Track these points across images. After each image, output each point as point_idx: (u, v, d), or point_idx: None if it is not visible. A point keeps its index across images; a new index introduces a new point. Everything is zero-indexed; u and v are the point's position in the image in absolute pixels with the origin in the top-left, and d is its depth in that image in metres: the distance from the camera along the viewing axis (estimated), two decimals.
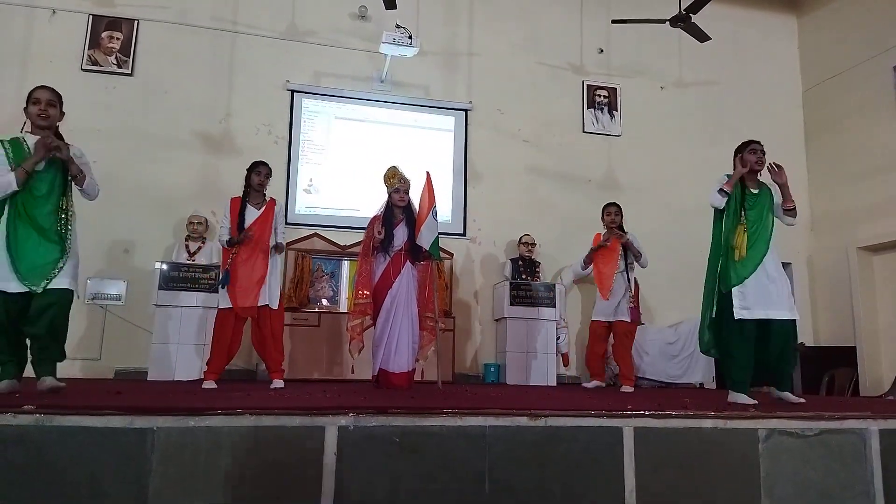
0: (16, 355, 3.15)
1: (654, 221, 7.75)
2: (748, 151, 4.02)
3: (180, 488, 2.24)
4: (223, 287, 4.46)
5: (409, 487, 2.42)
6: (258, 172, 4.64)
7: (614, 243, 5.42)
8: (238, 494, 2.28)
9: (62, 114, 3.31)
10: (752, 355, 3.78)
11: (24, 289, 3.05)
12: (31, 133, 3.25)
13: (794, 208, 3.99)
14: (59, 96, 3.28)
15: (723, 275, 3.88)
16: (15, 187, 3.07)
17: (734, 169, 4.06)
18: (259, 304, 4.47)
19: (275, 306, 4.56)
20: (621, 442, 2.65)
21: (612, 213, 5.47)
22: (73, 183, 3.31)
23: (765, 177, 4.08)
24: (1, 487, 2.13)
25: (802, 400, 3.71)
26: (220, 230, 4.66)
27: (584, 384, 5.46)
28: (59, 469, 2.18)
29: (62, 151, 3.20)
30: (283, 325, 4.78)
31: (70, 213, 3.25)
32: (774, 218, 4.00)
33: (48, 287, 3.09)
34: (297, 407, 2.52)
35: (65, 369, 3.40)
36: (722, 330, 3.87)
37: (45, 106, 3.21)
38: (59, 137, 3.31)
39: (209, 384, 4.36)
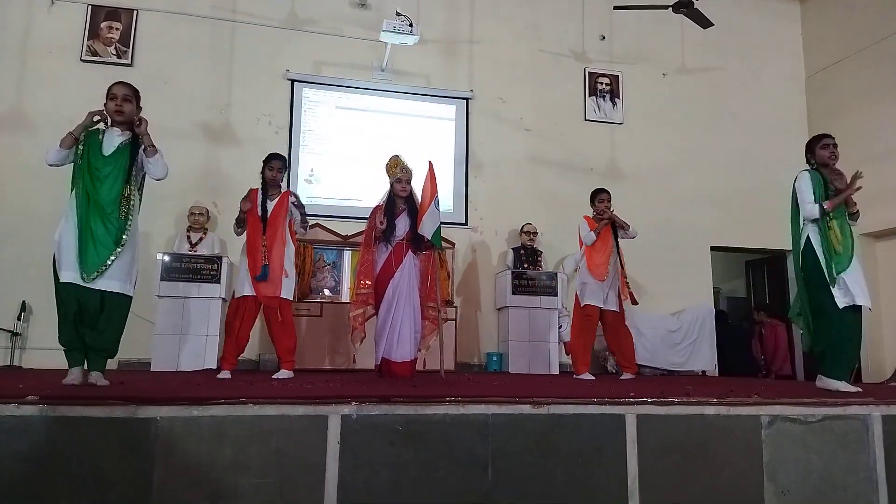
0: (83, 344, 3.18)
1: (657, 209, 7.74)
2: (820, 147, 4.03)
3: (184, 478, 2.25)
4: (265, 279, 4.40)
5: (412, 475, 2.43)
6: (271, 167, 4.62)
7: (606, 230, 5.38)
8: (241, 483, 2.28)
9: (139, 108, 3.41)
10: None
11: (79, 280, 3.09)
12: (110, 126, 3.37)
13: (857, 212, 4.00)
14: (135, 92, 3.40)
15: (827, 269, 3.84)
16: (57, 147, 3.20)
17: (808, 163, 4.09)
18: (276, 295, 4.44)
19: (290, 297, 4.56)
20: (624, 429, 2.66)
21: (606, 199, 5.42)
22: (142, 166, 3.38)
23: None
24: (5, 478, 2.14)
25: (859, 389, 3.70)
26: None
27: (577, 377, 5.29)
28: (63, 459, 2.18)
29: (141, 124, 3.32)
30: (293, 314, 4.78)
31: (132, 203, 3.29)
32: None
33: (102, 289, 3.13)
34: (300, 396, 2.53)
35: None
36: (828, 324, 3.84)
37: (120, 101, 3.32)
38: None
39: (224, 374, 4.36)
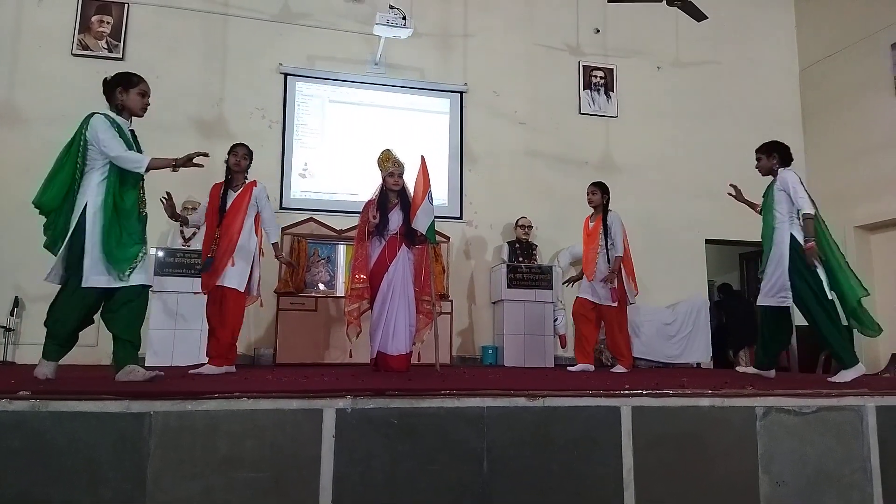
0: (68, 343, 3.16)
1: (652, 202, 7.75)
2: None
3: (178, 472, 2.24)
4: (206, 271, 4.35)
5: (408, 469, 2.42)
6: (234, 153, 4.55)
7: (596, 225, 5.37)
8: (236, 477, 2.28)
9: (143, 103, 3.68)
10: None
11: (113, 283, 3.09)
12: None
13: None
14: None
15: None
16: (143, 169, 3.30)
17: (783, 165, 4.35)
18: (219, 284, 4.30)
19: (240, 289, 4.32)
20: (619, 421, 2.66)
21: (589, 192, 5.41)
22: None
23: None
24: None
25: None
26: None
27: (569, 368, 5.37)
28: (57, 454, 2.17)
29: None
30: (241, 312, 4.38)
31: (144, 200, 3.43)
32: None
33: (128, 284, 3.13)
34: (295, 390, 2.52)
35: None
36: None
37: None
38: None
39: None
